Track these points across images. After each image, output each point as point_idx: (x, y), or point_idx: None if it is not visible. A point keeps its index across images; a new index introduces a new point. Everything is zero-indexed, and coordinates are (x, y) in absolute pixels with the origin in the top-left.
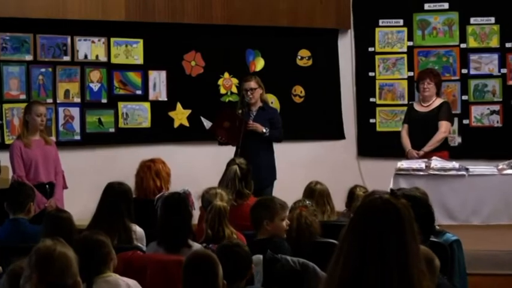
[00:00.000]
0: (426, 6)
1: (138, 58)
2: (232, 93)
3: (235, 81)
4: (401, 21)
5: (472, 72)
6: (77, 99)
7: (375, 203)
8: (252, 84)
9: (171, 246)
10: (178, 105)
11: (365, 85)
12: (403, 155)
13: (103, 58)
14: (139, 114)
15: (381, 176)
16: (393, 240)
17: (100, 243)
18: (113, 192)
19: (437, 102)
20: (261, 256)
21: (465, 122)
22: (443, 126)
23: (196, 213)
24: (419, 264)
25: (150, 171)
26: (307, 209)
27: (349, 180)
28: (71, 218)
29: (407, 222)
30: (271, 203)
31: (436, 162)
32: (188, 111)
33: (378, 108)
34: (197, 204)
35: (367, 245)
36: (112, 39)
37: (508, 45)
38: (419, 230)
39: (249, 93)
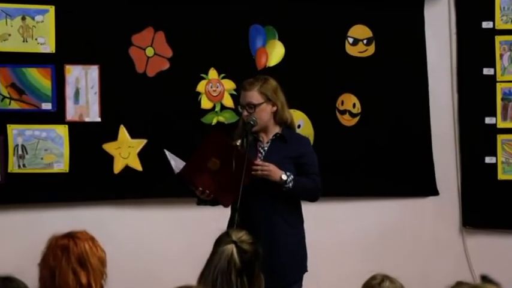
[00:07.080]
0: None
1: (45, 42)
2: (224, 107)
3: (229, 85)
4: None
5: None
6: None
7: None
8: (252, 96)
9: None
10: (122, 131)
11: (476, 92)
12: None
13: None
14: (47, 149)
15: (504, 262)
16: None
17: None
18: None
19: None
20: None
21: None
22: None
23: None
24: None
25: (67, 256)
26: None
27: (447, 270)
28: None
29: None
30: None
31: None
32: (141, 142)
33: (500, 137)
34: None
35: None
36: None
37: None
38: None
39: (245, 112)
